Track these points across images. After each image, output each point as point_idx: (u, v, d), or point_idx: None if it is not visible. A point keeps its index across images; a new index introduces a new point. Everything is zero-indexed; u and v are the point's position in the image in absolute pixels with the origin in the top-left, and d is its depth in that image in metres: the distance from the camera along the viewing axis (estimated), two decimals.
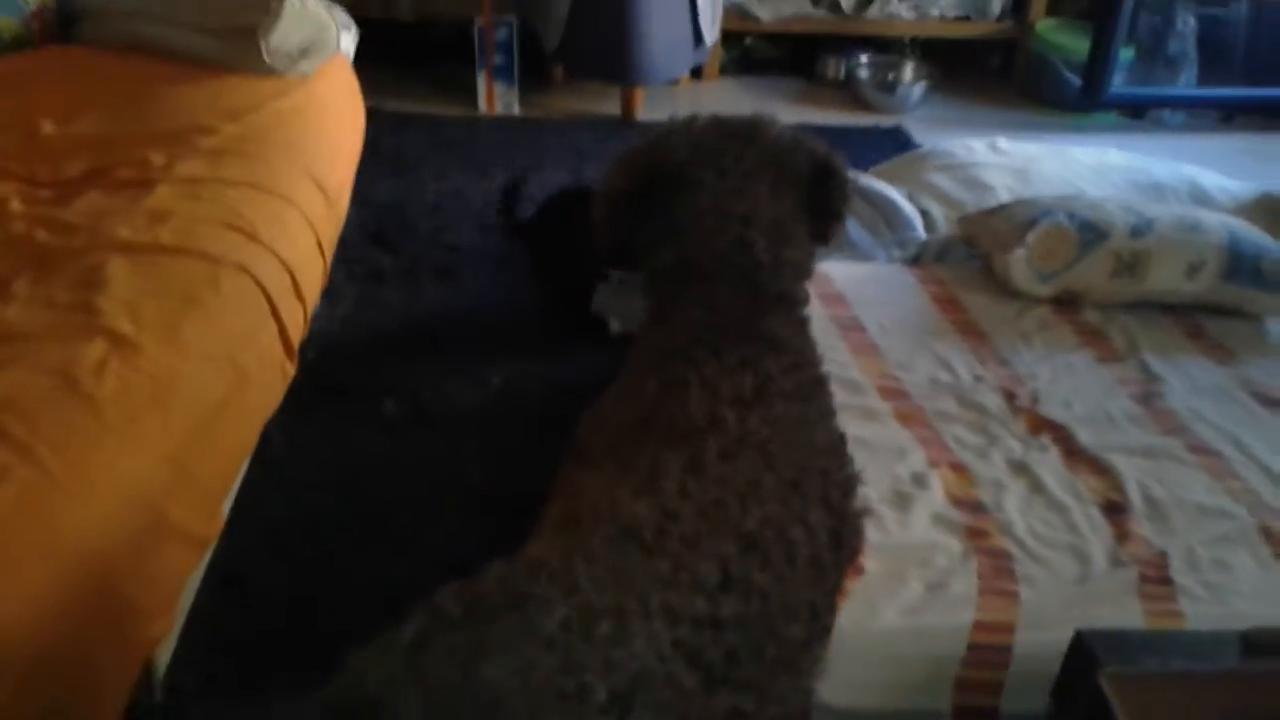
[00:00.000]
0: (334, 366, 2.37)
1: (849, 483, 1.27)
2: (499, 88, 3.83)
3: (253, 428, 1.64)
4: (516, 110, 3.88)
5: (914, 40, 4.47)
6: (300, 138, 2.13)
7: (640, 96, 3.87)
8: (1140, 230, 2.19)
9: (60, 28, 2.43)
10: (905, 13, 4.29)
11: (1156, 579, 1.54)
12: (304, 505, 2.01)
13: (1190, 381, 2.01)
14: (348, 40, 2.75)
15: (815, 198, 1.46)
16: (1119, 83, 4.07)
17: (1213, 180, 2.95)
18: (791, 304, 1.36)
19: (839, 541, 1.20)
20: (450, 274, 2.76)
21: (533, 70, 4.11)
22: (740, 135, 1.40)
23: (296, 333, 1.83)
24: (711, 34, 3.94)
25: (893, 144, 3.72)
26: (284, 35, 2.22)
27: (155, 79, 2.20)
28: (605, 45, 3.68)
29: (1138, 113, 4.21)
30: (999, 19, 4.34)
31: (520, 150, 3.54)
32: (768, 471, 1.10)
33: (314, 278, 1.98)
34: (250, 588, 1.82)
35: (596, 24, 3.65)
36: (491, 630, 0.83)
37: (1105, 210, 2.24)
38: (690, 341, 1.24)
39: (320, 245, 2.03)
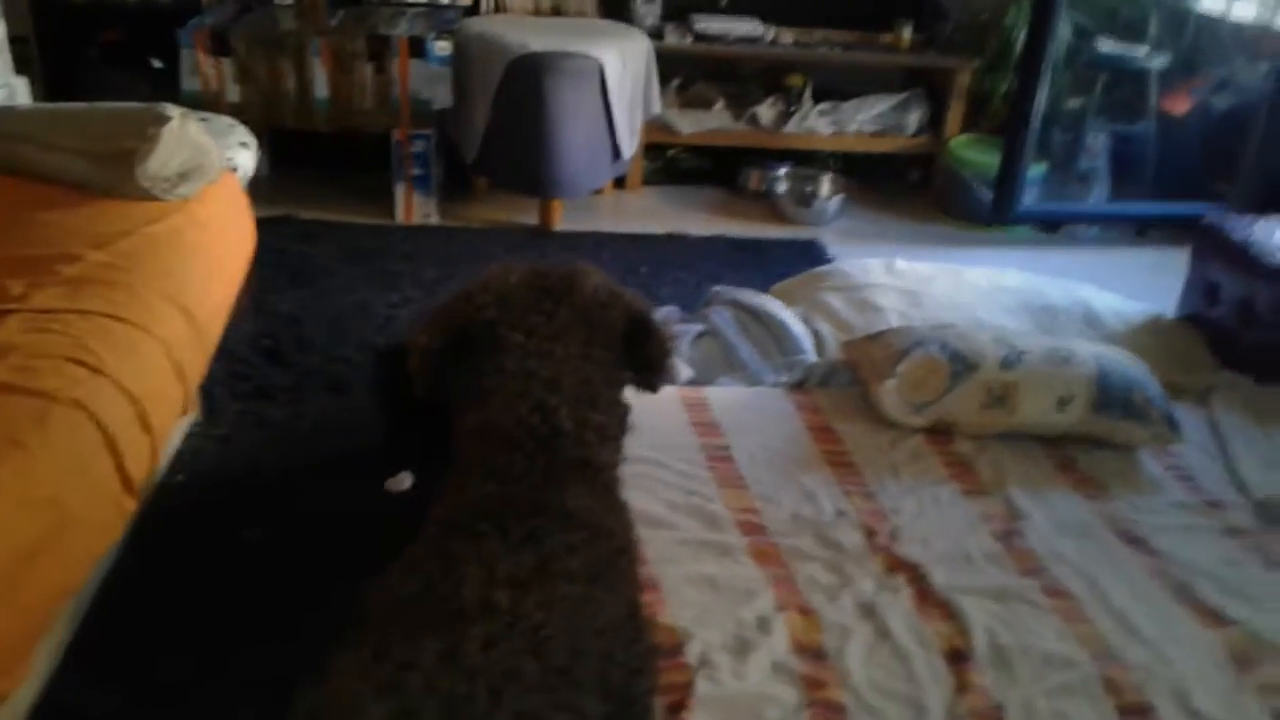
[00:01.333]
0: (200, 490, 2.33)
1: (640, 660, 1.22)
2: (417, 197, 3.87)
3: (76, 568, 1.59)
4: (435, 219, 3.91)
5: (834, 153, 4.57)
6: (171, 263, 2.12)
7: (558, 207, 3.92)
8: (1010, 362, 2.21)
9: None
10: (823, 128, 4.39)
11: None
12: (147, 636, 1.96)
13: (1054, 518, 2.00)
14: (246, 157, 2.76)
15: (633, 353, 1.45)
16: (1031, 198, 4.16)
17: (1106, 302, 3.00)
18: (594, 471, 1.32)
19: None
20: (341, 389, 2.74)
21: (457, 180, 4.16)
22: (553, 291, 1.39)
23: (140, 466, 1.79)
24: (629, 147, 4.00)
25: (807, 257, 3.77)
26: (161, 161, 2.23)
27: (29, 204, 2.19)
28: (522, 160, 3.73)
29: (1052, 227, 4.30)
30: (915, 134, 4.45)
31: (432, 259, 3.55)
32: (533, 659, 1.07)
33: (169, 406, 1.95)
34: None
35: (512, 139, 3.70)
36: None
37: (977, 341, 2.26)
38: (478, 515, 1.21)
39: (181, 372, 2.00)
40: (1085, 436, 2.23)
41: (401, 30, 3.76)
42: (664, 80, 4.34)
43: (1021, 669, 1.63)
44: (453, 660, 1.03)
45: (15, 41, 4.13)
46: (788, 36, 4.34)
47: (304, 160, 4.18)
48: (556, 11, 4.22)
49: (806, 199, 4.26)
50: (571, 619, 1.13)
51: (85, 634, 1.91)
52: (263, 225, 2.63)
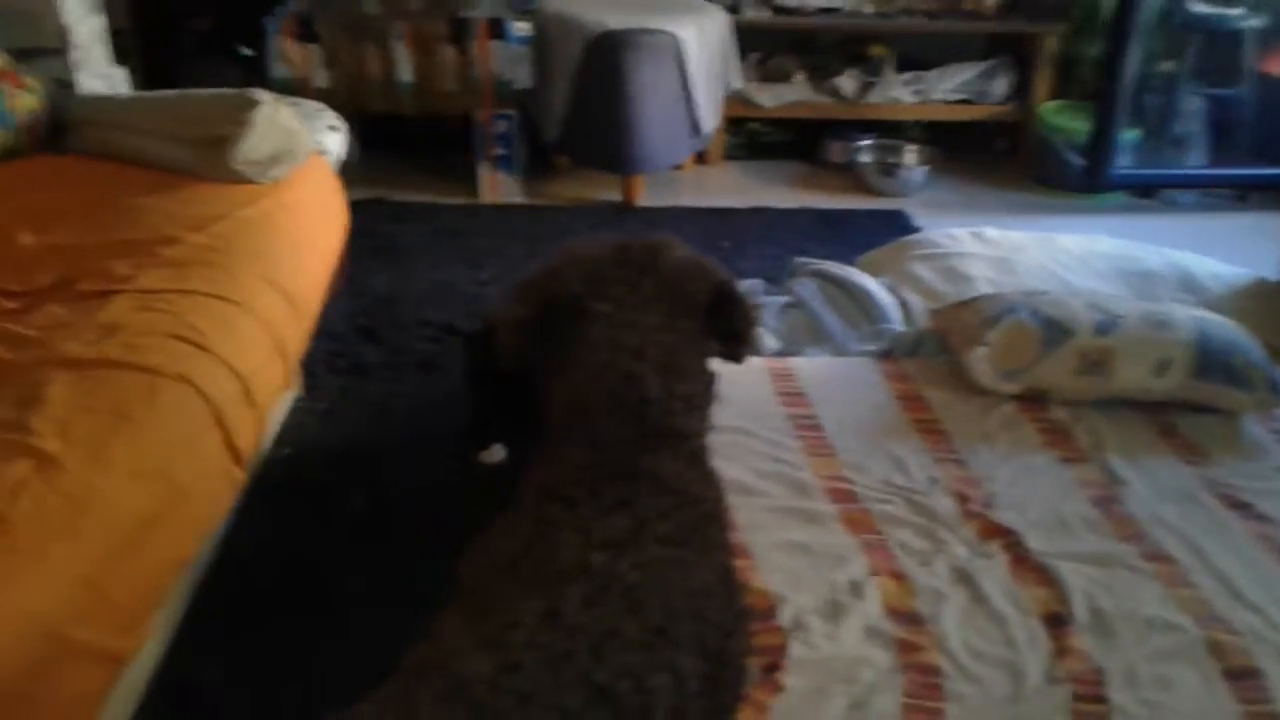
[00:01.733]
0: (307, 462, 2.40)
1: (733, 623, 1.24)
2: (501, 177, 3.91)
3: (188, 539, 1.66)
4: (519, 198, 3.95)
5: (918, 123, 4.50)
6: (265, 244, 2.18)
7: (640, 183, 3.92)
8: (1105, 328, 2.17)
9: (52, 137, 2.52)
10: (907, 97, 4.32)
11: (1091, 697, 1.49)
12: (263, 604, 2.03)
13: (1155, 483, 1.96)
14: (335, 141, 2.82)
15: (717, 323, 1.45)
16: (1124, 164, 4.05)
17: (1205, 267, 2.91)
18: (681, 439, 1.33)
19: (716, 686, 1.17)
20: (432, 366, 2.79)
21: (539, 159, 4.19)
22: (637, 264, 1.40)
23: (247, 439, 1.85)
24: (710, 122, 3.99)
25: (893, 228, 3.72)
26: (254, 145, 2.29)
27: (132, 188, 2.28)
28: (602, 137, 3.74)
29: (1147, 193, 4.19)
30: (1002, 102, 4.36)
31: (517, 237, 3.59)
32: (630, 618, 1.08)
33: (271, 381, 2.01)
34: (204, 688, 1.83)
35: (593, 117, 3.72)
36: None
37: (1070, 308, 2.22)
38: (570, 481, 1.23)
39: (282, 348, 2.06)
40: (1185, 402, 2.17)
41: (482, 12, 3.79)
42: (743, 54, 4.32)
43: (1123, 633, 1.60)
44: (554, 618, 1.05)
45: (114, 34, 4.25)
46: (868, 7, 4.28)
47: (392, 143, 4.26)
48: None
49: (891, 169, 4.20)
50: (665, 580, 1.14)
51: (200, 603, 1.98)
52: (355, 207, 2.69)
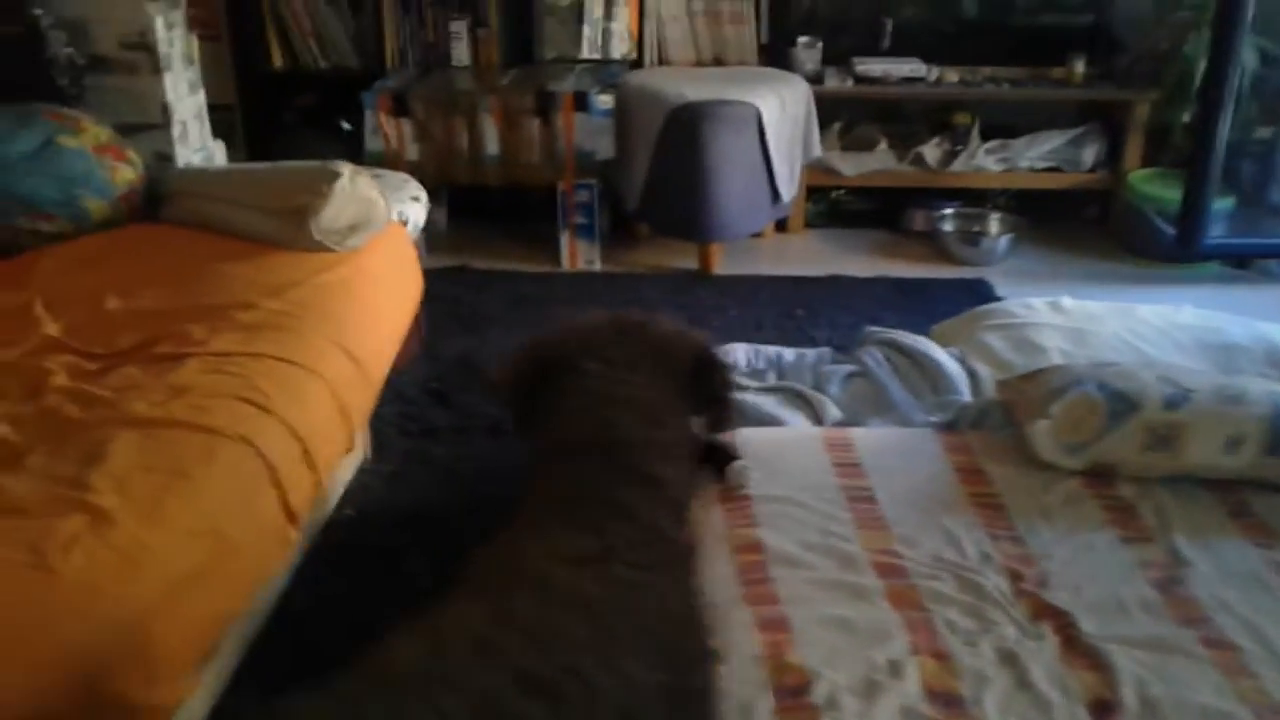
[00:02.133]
0: (370, 524, 2.46)
1: (700, 656, 1.31)
2: (581, 245, 3.99)
3: (238, 593, 1.72)
4: (598, 266, 4.02)
5: (1006, 191, 4.45)
6: (336, 309, 2.26)
7: (718, 250, 3.96)
8: (1175, 402, 2.10)
9: (149, 207, 2.68)
10: (992, 165, 4.29)
11: None
12: (316, 663, 2.07)
13: (1221, 566, 1.88)
14: (417, 211, 2.93)
15: (698, 387, 1.56)
16: (1217, 233, 3.94)
17: None
18: (658, 484, 1.41)
19: (679, 706, 1.23)
20: (500, 430, 2.84)
21: (621, 228, 4.28)
22: (626, 331, 1.53)
23: (303, 498, 1.91)
24: (789, 191, 4.01)
25: (972, 297, 3.68)
26: (333, 215, 2.39)
27: (216, 256, 2.40)
28: (680, 206, 3.80)
29: (1243, 263, 4.06)
30: (1092, 169, 4.29)
31: (592, 304, 3.64)
32: (584, 625, 1.15)
33: (333, 443, 2.08)
34: None
35: (672, 186, 3.78)
36: None
37: (1139, 380, 2.16)
38: (546, 510, 1.34)
39: (346, 411, 2.13)
40: (1260, 481, 2.09)
41: (567, 86, 3.90)
42: (826, 123, 4.35)
43: None
44: (505, 615, 1.14)
45: (220, 109, 4.52)
46: (952, 75, 4.28)
47: (479, 213, 4.39)
48: (718, 61, 4.29)
49: (973, 238, 4.16)
50: (628, 599, 1.22)
51: (255, 658, 2.03)
52: (439, 275, 2.79)
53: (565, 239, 3.98)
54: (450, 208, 4.41)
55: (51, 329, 2.15)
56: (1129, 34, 4.27)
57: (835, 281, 3.86)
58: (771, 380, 2.80)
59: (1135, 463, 2.11)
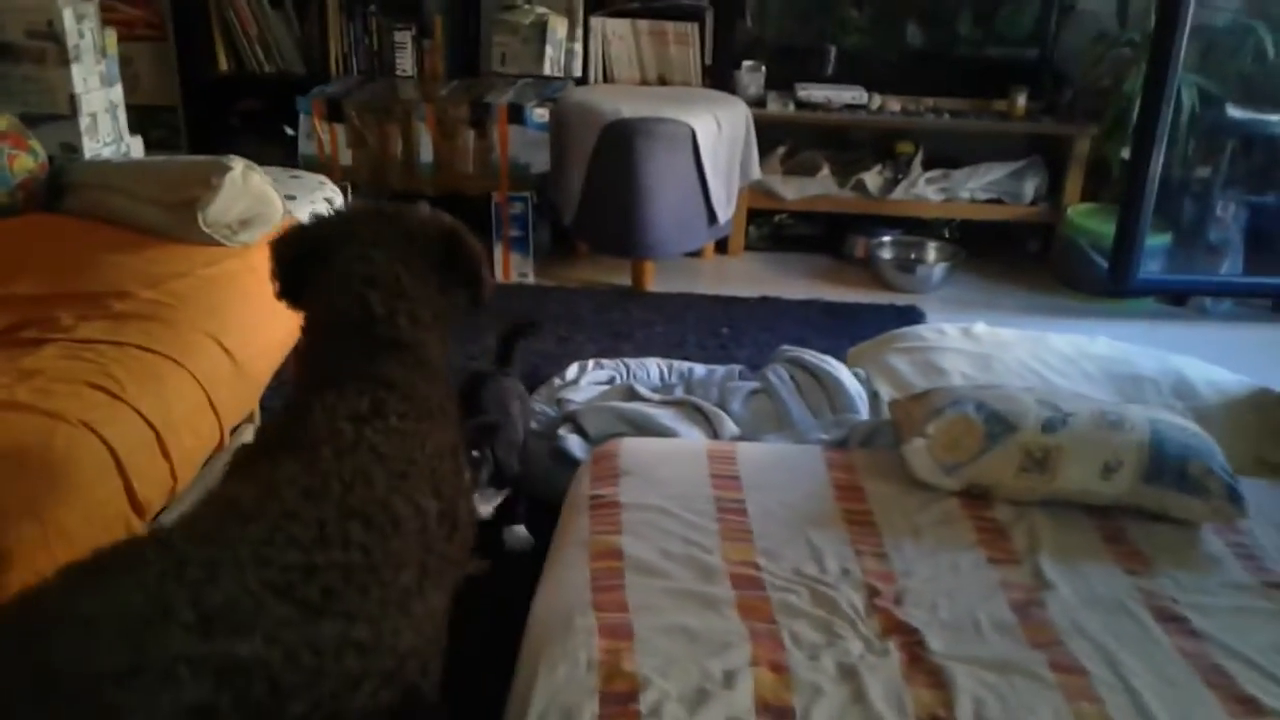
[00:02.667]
0: None
1: (461, 483, 1.55)
2: (515, 257, 3.97)
3: None
4: (531, 279, 4.00)
5: (951, 222, 4.45)
6: (218, 303, 2.23)
7: (651, 268, 3.94)
8: (1053, 425, 2.08)
9: (50, 198, 2.64)
10: (932, 194, 4.28)
11: None
12: None
13: (1084, 590, 1.85)
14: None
15: (451, 265, 1.67)
16: (1153, 268, 3.94)
17: (1204, 374, 2.80)
18: (406, 349, 1.55)
19: (453, 526, 1.48)
20: None
21: (561, 243, 4.26)
22: (385, 216, 1.64)
23: (155, 489, 1.87)
24: (726, 211, 4.00)
25: (903, 323, 3.64)
26: (222, 208, 2.37)
27: (105, 246, 2.36)
28: (613, 222, 3.79)
29: (1179, 300, 4.05)
30: (1032, 202, 4.29)
31: (516, 314, 3.62)
32: (378, 466, 1.36)
33: (196, 436, 2.04)
34: None
35: (605, 202, 3.77)
36: (99, 581, 1.11)
37: (1018, 402, 2.14)
38: (318, 381, 1.49)
39: (215, 405, 2.10)
40: (1136, 508, 2.07)
41: (505, 99, 3.90)
42: (769, 147, 4.35)
43: None
44: (312, 464, 1.32)
45: (164, 110, 4.53)
46: (895, 104, 4.28)
47: None
48: (662, 81, 4.29)
49: (909, 265, 4.15)
50: (404, 444, 1.43)
51: None
52: None
53: (499, 250, 3.96)
54: None
55: None
56: (1072, 69, 4.29)
57: (766, 303, 3.84)
58: (679, 394, 2.77)
59: (1011, 485, 2.08)
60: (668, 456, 2.25)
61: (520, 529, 2.43)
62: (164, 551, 1.14)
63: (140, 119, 4.31)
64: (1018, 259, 4.43)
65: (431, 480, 1.44)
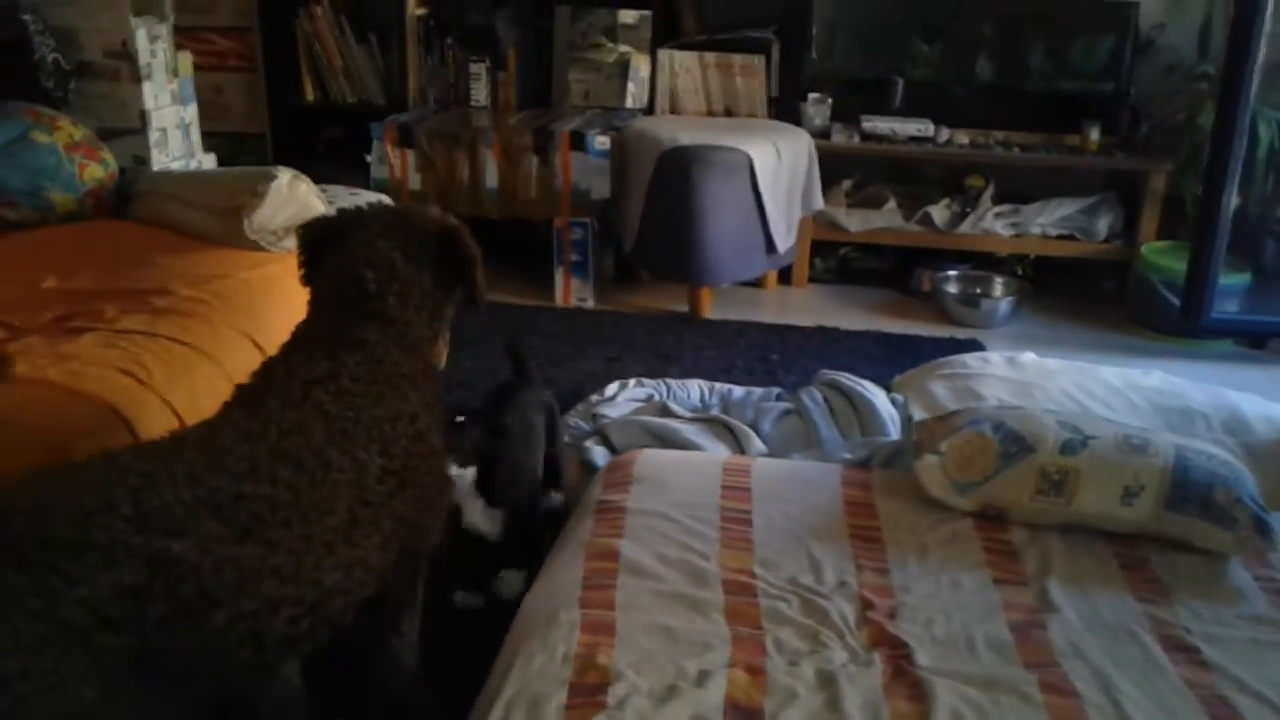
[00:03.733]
0: None
1: (423, 448, 1.62)
2: (575, 282, 4.03)
3: None
4: (590, 304, 4.04)
5: (1025, 259, 4.37)
6: (256, 304, 2.32)
7: (708, 296, 3.96)
8: (1072, 447, 2.03)
9: (119, 205, 2.80)
10: (1002, 229, 4.21)
11: None
12: None
13: (1090, 615, 1.79)
14: None
15: (444, 257, 1.75)
16: (1230, 309, 3.80)
17: (1259, 409, 2.69)
18: (392, 322, 1.65)
19: (400, 482, 1.56)
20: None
21: (625, 269, 4.31)
22: (392, 212, 1.77)
23: None
24: (785, 241, 4.00)
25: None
26: (268, 215, 2.47)
27: (157, 248, 2.49)
28: (671, 249, 3.82)
29: (1259, 343, 3.89)
30: (1106, 240, 4.19)
31: (570, 338, 3.68)
32: (320, 422, 1.48)
33: None
34: None
35: (663, 228, 3.80)
36: (55, 478, 1.30)
37: (1038, 423, 2.09)
38: (297, 344, 1.62)
39: None
40: (1158, 536, 1.99)
41: (569, 127, 3.98)
42: (836, 180, 4.35)
43: None
44: (255, 414, 1.46)
45: (253, 138, 4.74)
46: (963, 137, 4.24)
47: (485, 250, 4.45)
48: (729, 113, 4.33)
49: (973, 299, 4.08)
50: (354, 405, 1.53)
51: None
52: None
53: (559, 275, 4.02)
54: None
55: None
56: (1147, 103, 4.18)
57: (821, 332, 3.82)
58: (713, 414, 2.77)
59: (1027, 508, 2.03)
60: (682, 468, 2.25)
61: (513, 576, 2.32)
62: (111, 461, 1.32)
63: (231, 145, 4.54)
64: (1091, 298, 4.32)
65: (379, 439, 1.53)
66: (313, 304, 1.73)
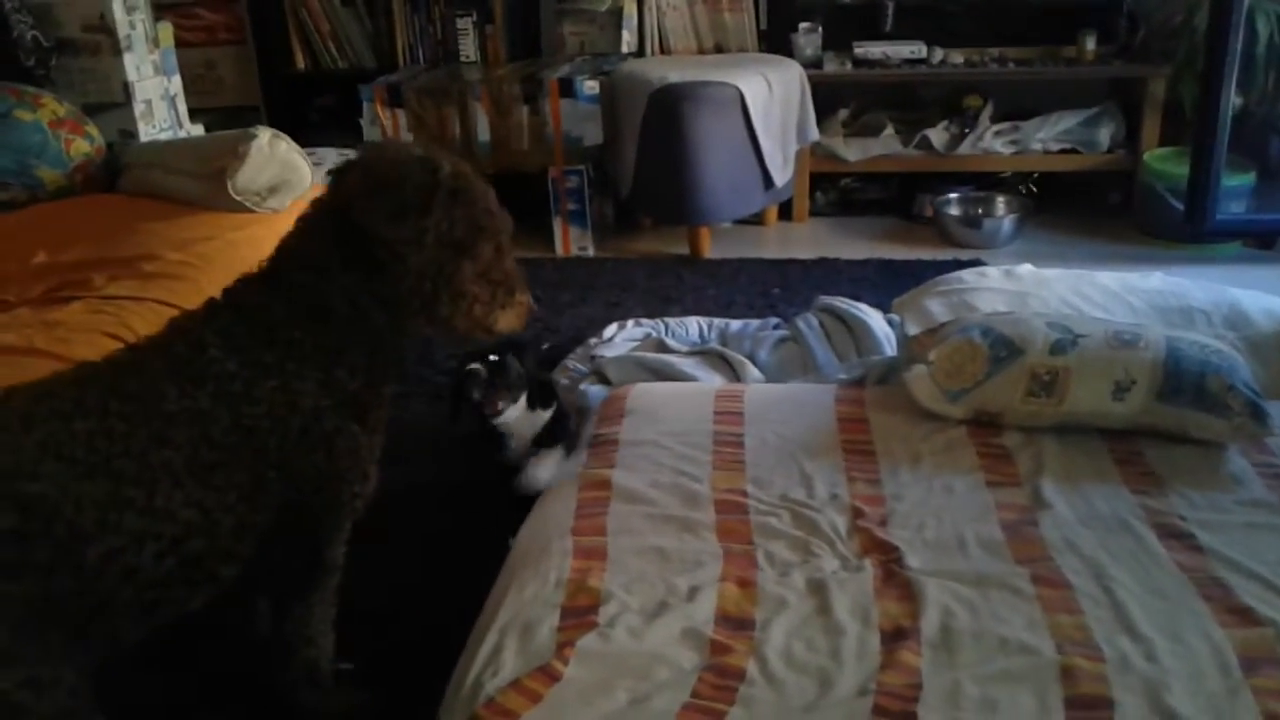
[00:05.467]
0: None
1: (284, 411, 1.53)
2: (574, 231, 4.02)
3: None
4: (590, 252, 4.04)
5: (1028, 176, 4.32)
6: (241, 263, 2.31)
7: (707, 235, 3.94)
8: (1061, 346, 2.01)
9: (109, 180, 2.81)
10: (1001, 148, 4.16)
11: (896, 712, 1.37)
12: None
13: (1083, 509, 1.79)
14: None
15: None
16: (1237, 210, 3.74)
17: (1261, 303, 2.64)
18: (292, 289, 1.55)
19: (258, 446, 1.50)
20: (439, 398, 2.88)
21: (625, 216, 4.30)
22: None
23: None
24: (782, 175, 3.97)
25: None
26: (250, 176, 2.48)
27: (144, 217, 2.51)
28: (666, 190, 3.80)
29: (1266, 242, 3.83)
30: (1109, 150, 4.13)
31: (571, 287, 3.67)
32: (161, 360, 1.49)
33: None
34: None
35: (658, 170, 3.78)
36: None
37: (1026, 325, 2.08)
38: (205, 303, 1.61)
39: None
40: (1153, 430, 1.98)
41: (557, 74, 3.95)
42: (831, 110, 4.30)
43: (965, 652, 1.47)
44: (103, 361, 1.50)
45: (248, 110, 4.74)
46: (957, 57, 4.18)
47: None
48: (719, 49, 4.29)
49: (975, 220, 4.04)
50: (208, 353, 1.49)
51: None
52: None
53: (558, 225, 4.01)
54: None
55: None
56: (1144, 7, 4.10)
57: (822, 264, 3.80)
58: (709, 346, 2.77)
59: (1020, 410, 2.02)
60: (675, 398, 2.26)
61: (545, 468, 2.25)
62: None
63: (226, 119, 4.52)
64: (1097, 211, 4.26)
65: (229, 395, 1.48)
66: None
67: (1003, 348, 2.04)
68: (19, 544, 1.29)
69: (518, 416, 2.26)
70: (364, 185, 1.54)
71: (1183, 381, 1.95)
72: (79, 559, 1.34)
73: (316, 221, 1.57)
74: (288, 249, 1.58)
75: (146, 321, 2.05)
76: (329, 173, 1.61)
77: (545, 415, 2.29)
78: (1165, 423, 1.96)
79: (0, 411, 1.40)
